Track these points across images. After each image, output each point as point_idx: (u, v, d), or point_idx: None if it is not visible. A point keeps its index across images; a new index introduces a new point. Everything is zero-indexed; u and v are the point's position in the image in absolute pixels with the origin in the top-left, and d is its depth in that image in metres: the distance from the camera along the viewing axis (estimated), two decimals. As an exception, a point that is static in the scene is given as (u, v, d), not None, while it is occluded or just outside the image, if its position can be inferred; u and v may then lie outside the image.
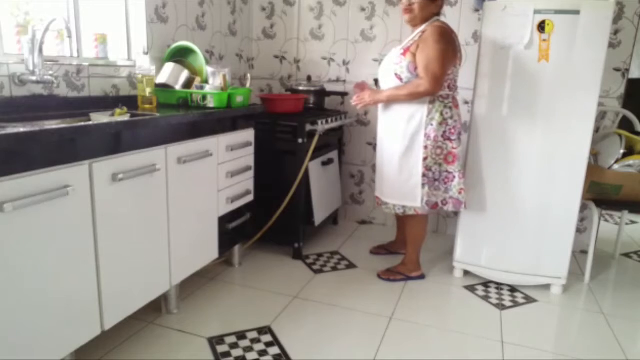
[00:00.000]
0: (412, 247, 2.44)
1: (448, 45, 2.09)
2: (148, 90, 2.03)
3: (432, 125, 2.15)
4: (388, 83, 2.23)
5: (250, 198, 2.44)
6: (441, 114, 2.16)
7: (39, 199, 1.23)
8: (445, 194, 2.24)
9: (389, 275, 2.44)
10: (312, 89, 2.97)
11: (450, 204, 2.25)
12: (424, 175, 2.18)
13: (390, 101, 2.21)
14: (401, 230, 2.75)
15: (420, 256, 2.48)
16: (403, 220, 2.69)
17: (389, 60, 2.24)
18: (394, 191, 2.28)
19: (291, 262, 2.61)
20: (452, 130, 2.18)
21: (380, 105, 2.35)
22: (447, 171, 2.21)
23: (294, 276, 2.44)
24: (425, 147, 2.16)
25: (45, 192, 1.25)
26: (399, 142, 2.21)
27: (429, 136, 2.16)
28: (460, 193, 2.22)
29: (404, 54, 2.14)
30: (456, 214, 2.71)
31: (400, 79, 2.14)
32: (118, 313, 1.61)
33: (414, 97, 2.13)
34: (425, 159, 2.17)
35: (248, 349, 1.78)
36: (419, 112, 2.16)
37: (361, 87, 2.39)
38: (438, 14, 2.19)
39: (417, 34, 2.15)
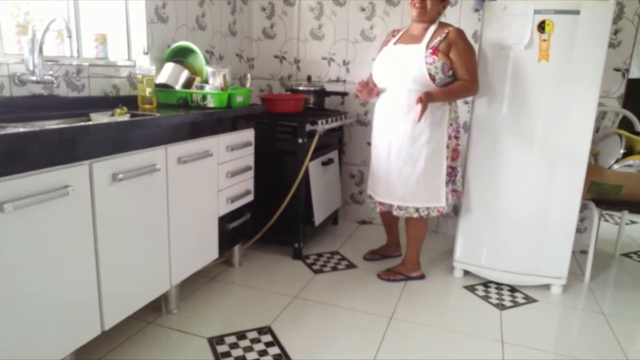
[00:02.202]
0: (412, 247, 2.43)
1: (474, 48, 2.18)
2: (148, 90, 2.03)
3: (451, 125, 2.22)
4: (407, 82, 2.14)
5: (250, 198, 2.44)
6: (455, 113, 2.25)
7: (39, 199, 1.23)
8: (451, 186, 2.29)
9: (389, 275, 2.44)
10: (312, 89, 2.97)
11: (454, 196, 2.31)
12: (446, 174, 2.24)
13: (440, 101, 2.13)
14: (391, 233, 2.74)
15: (420, 256, 2.48)
16: (391, 224, 2.69)
17: (406, 58, 2.13)
18: (419, 194, 2.23)
19: (291, 262, 2.61)
20: (459, 129, 2.27)
21: (386, 106, 2.25)
22: (451, 167, 2.26)
23: (294, 276, 2.44)
24: (447, 147, 2.21)
25: (45, 192, 1.25)
26: (426, 143, 2.18)
27: (449, 136, 2.22)
28: (460, 185, 2.32)
29: (434, 53, 2.09)
30: (456, 213, 2.70)
31: (433, 80, 2.10)
32: (118, 313, 1.61)
33: (460, 98, 2.24)
34: (447, 158, 2.22)
35: (248, 349, 1.78)
36: (444, 113, 2.19)
37: (365, 84, 2.27)
38: (441, 14, 2.22)
39: (436, 33, 2.13)
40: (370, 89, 2.29)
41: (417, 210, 2.27)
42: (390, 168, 2.28)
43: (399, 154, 2.24)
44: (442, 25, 2.18)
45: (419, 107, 2.02)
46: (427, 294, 2.32)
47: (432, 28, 2.16)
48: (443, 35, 2.12)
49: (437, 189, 2.22)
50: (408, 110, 2.16)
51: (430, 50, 2.10)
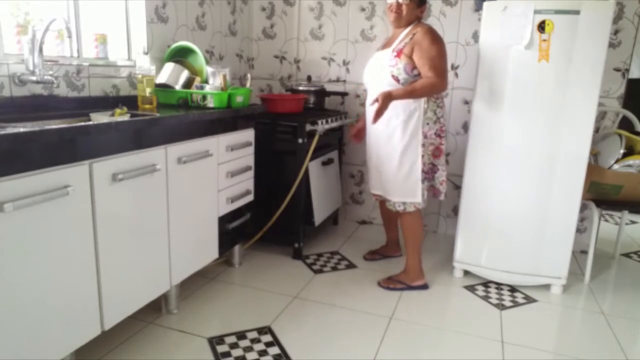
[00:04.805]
0: (411, 250, 2.35)
1: (443, 45, 2.17)
2: (148, 90, 2.03)
3: (428, 124, 2.21)
4: (381, 85, 2.19)
5: (250, 198, 2.44)
6: (435, 113, 2.22)
7: (39, 199, 1.23)
8: (428, 183, 2.31)
9: (389, 283, 2.36)
10: (312, 89, 2.97)
11: (431, 192, 2.35)
12: (422, 171, 2.23)
13: (402, 99, 2.14)
14: (390, 231, 2.74)
15: (422, 262, 2.38)
16: (390, 221, 2.69)
17: (379, 63, 2.22)
18: (396, 188, 2.28)
19: (291, 262, 2.61)
20: (443, 128, 2.26)
21: (370, 108, 2.25)
22: (432, 164, 2.28)
23: (294, 276, 2.44)
24: (423, 145, 2.21)
25: (45, 192, 1.25)
26: (399, 140, 2.21)
27: (425, 134, 2.21)
28: (441, 184, 2.31)
29: (398, 55, 2.14)
30: (456, 213, 2.70)
31: (398, 81, 2.15)
32: (118, 313, 1.61)
33: (426, 95, 2.17)
34: (422, 156, 2.21)
35: (248, 349, 1.78)
36: (417, 111, 2.19)
37: (359, 132, 2.52)
38: (420, 18, 2.24)
39: (406, 35, 2.18)
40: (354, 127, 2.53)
41: (394, 204, 2.31)
42: (375, 163, 2.37)
43: (379, 151, 2.32)
44: (416, 26, 2.19)
45: (376, 106, 2.08)
46: (427, 293, 2.32)
47: (406, 31, 2.20)
48: (410, 37, 2.15)
49: (412, 185, 2.25)
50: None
51: (395, 53, 2.15)
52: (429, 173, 2.30)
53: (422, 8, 2.23)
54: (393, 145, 2.23)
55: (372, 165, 2.41)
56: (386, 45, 2.31)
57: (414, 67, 2.14)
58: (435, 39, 2.14)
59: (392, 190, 2.30)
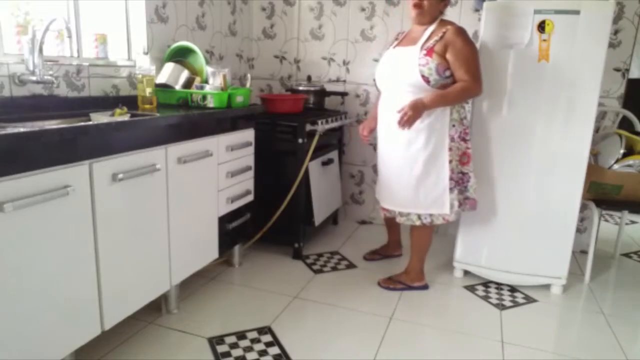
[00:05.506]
0: (416, 256, 2.33)
1: (475, 46, 2.08)
2: (148, 90, 2.03)
3: (454, 126, 2.11)
4: (406, 85, 2.06)
5: (250, 198, 2.44)
6: (459, 113, 2.12)
7: (39, 199, 1.23)
8: (460, 195, 2.18)
9: (389, 283, 2.35)
10: (312, 89, 2.97)
11: (467, 204, 2.21)
12: (450, 179, 2.11)
13: (436, 107, 2.04)
14: (392, 232, 2.71)
15: (424, 265, 2.37)
16: (394, 223, 2.59)
17: (402, 60, 2.08)
18: (419, 200, 2.14)
19: (291, 262, 2.61)
20: (467, 130, 2.15)
21: (386, 110, 2.19)
22: (462, 172, 2.16)
23: (294, 276, 2.44)
24: (450, 150, 2.10)
25: (45, 192, 1.25)
26: (423, 146, 2.08)
27: (452, 137, 2.10)
28: (475, 192, 2.20)
29: (428, 54, 2.00)
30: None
31: (428, 82, 2.01)
32: (118, 313, 1.61)
33: (461, 101, 2.08)
34: (450, 161, 2.10)
35: (248, 349, 1.78)
36: (443, 113, 2.08)
37: (368, 127, 2.42)
38: (442, 13, 2.13)
39: (434, 33, 2.05)
40: (365, 127, 2.41)
41: (419, 217, 2.18)
42: (390, 173, 2.23)
43: (397, 158, 2.17)
44: (442, 23, 2.07)
45: (404, 115, 1.98)
46: (427, 294, 2.32)
47: (431, 28, 2.07)
48: (440, 35, 2.02)
49: (439, 195, 2.12)
50: (395, 115, 2.06)
51: (425, 51, 2.01)
52: (460, 183, 2.16)
53: (445, 3, 2.10)
54: (415, 151, 2.10)
55: (384, 176, 2.26)
56: (403, 41, 2.17)
57: (447, 68, 2.02)
58: (468, 39, 2.04)
59: (416, 202, 2.15)
